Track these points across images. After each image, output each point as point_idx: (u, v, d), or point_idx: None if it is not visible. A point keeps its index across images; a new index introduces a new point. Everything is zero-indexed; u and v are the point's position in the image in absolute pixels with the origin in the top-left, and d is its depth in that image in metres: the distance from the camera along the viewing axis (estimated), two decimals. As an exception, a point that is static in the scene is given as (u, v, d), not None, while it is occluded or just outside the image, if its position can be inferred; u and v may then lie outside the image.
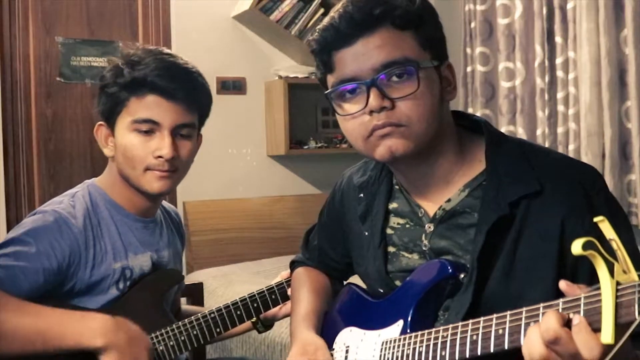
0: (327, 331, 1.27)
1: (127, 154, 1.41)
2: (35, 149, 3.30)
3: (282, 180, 3.85)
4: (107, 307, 1.42)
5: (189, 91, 1.43)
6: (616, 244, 0.69)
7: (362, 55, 1.04)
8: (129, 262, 1.45)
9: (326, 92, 1.12)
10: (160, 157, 1.40)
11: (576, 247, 0.69)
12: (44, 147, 3.31)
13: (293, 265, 1.51)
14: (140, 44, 1.51)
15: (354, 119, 1.07)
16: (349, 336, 1.20)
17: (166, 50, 1.49)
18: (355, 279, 1.35)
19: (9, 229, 2.95)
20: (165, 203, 1.69)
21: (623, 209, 1.09)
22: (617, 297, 0.67)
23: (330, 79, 1.11)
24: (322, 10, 3.72)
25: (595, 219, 0.71)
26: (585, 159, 3.02)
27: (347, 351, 1.18)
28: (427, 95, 1.05)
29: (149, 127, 1.40)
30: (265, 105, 3.79)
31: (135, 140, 1.40)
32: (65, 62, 3.35)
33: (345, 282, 1.43)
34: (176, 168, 1.43)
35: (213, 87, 3.62)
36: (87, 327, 1.28)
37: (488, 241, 1.02)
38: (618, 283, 0.68)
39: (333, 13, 1.07)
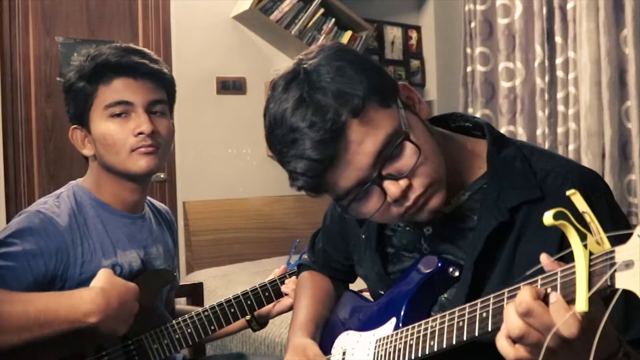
0: (327, 337, 1.28)
1: (108, 141, 1.42)
2: (35, 149, 3.30)
3: (282, 180, 3.79)
4: None
5: (151, 66, 1.45)
6: (589, 216, 0.70)
7: (352, 163, 0.95)
8: (118, 259, 1.45)
9: (340, 211, 1.06)
10: (140, 133, 1.41)
11: (547, 217, 0.69)
12: (44, 147, 3.31)
13: (300, 269, 1.51)
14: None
15: (379, 212, 1.00)
16: (346, 340, 1.20)
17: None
18: (360, 281, 1.36)
19: (9, 229, 2.94)
20: (155, 201, 1.69)
21: (625, 215, 1.09)
22: (590, 266, 0.68)
23: (333, 194, 1.02)
24: (322, 10, 3.72)
25: (568, 193, 0.71)
26: (585, 159, 3.02)
27: (344, 354, 1.18)
28: (425, 144, 0.98)
29: (122, 109, 1.41)
30: (266, 105, 3.79)
31: (112, 126, 1.41)
32: (65, 62, 3.35)
33: (349, 285, 1.44)
34: (158, 145, 1.44)
35: (213, 87, 3.66)
36: (78, 308, 1.28)
37: (486, 246, 1.01)
38: (591, 253, 0.69)
39: (295, 150, 0.96)
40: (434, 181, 0.99)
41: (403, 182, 0.97)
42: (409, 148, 0.97)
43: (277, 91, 1.00)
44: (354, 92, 0.94)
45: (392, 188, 0.97)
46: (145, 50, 1.49)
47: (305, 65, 0.99)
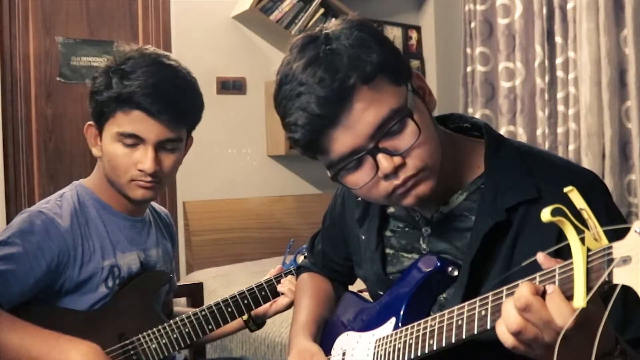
0: (326, 338, 1.28)
1: (112, 162, 1.42)
2: (35, 149, 3.30)
3: (282, 180, 3.85)
4: (97, 306, 1.43)
5: (175, 111, 1.41)
6: (587, 213, 0.70)
7: (352, 128, 0.96)
8: (117, 260, 1.46)
9: (330, 176, 1.04)
10: (142, 170, 1.41)
11: (545, 213, 0.70)
12: (44, 147, 3.31)
13: (299, 271, 1.52)
14: (139, 46, 1.49)
15: (367, 185, 1.01)
16: (346, 340, 1.21)
17: (161, 57, 1.45)
18: (360, 283, 1.36)
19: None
20: (156, 204, 1.70)
21: (622, 215, 1.09)
22: (587, 262, 0.69)
23: (326, 159, 1.02)
24: (322, 10, 3.72)
25: (565, 189, 0.72)
26: (585, 159, 3.02)
27: (343, 354, 1.19)
28: (426, 128, 0.99)
29: (133, 142, 1.40)
30: (266, 105, 3.79)
31: (119, 151, 1.41)
32: (65, 62, 3.35)
33: (349, 287, 1.44)
34: (159, 180, 1.44)
35: (213, 87, 3.65)
36: (71, 355, 1.28)
37: (484, 246, 1.02)
38: (589, 249, 0.69)
39: (299, 103, 0.97)
40: (426, 166, 1.00)
41: (397, 159, 0.97)
42: (410, 127, 0.98)
43: (293, 51, 1.01)
44: (369, 59, 0.96)
45: (385, 162, 0.97)
46: (179, 83, 1.43)
47: (327, 31, 1.00)
